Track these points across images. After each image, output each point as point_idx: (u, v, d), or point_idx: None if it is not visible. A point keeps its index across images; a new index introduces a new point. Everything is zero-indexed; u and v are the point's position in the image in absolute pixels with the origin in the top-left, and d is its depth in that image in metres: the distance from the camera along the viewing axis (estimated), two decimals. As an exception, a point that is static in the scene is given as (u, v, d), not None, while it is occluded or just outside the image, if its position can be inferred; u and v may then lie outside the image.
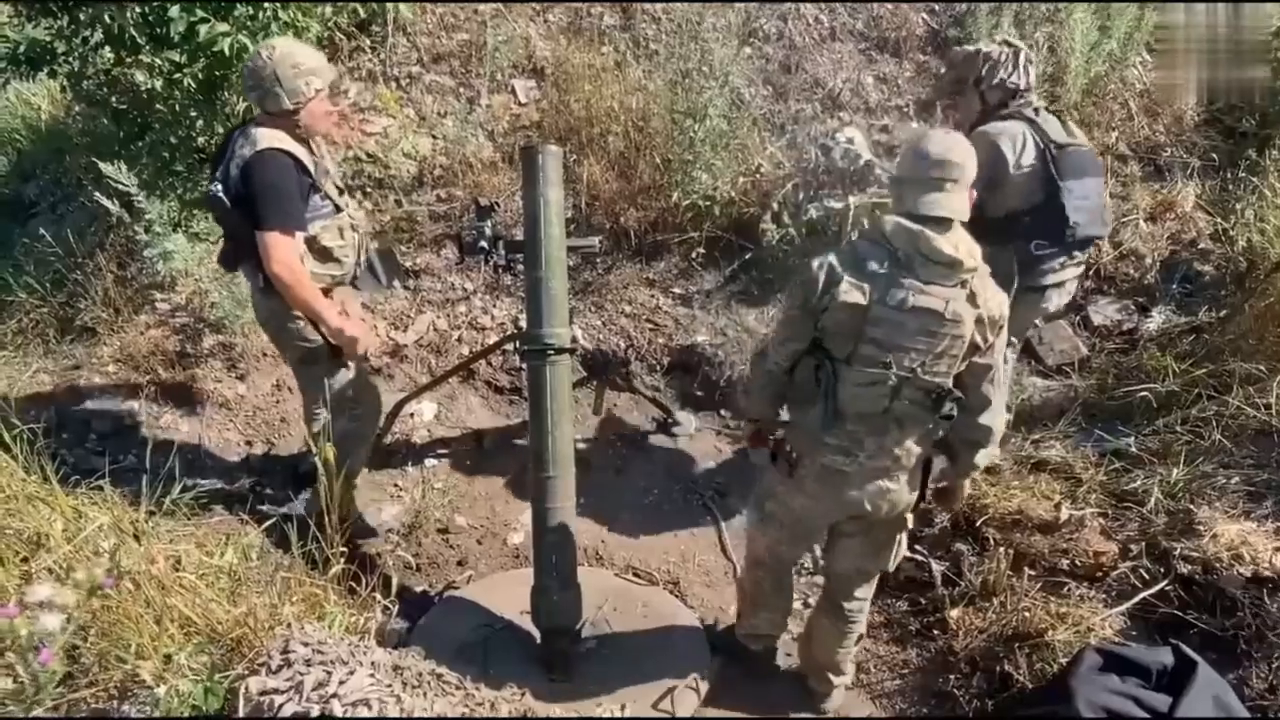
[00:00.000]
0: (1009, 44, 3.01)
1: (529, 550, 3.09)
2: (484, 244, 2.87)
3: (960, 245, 2.13)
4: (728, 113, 4.38)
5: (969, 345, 2.15)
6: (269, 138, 2.66)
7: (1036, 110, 3.03)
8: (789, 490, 2.44)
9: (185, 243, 3.74)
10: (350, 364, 3.05)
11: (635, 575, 3.32)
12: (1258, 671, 2.37)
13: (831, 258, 2.16)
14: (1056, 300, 3.18)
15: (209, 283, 3.78)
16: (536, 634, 2.88)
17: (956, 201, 2.13)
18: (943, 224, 2.11)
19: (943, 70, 4.88)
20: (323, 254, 2.89)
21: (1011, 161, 2.91)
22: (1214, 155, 4.78)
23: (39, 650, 1.54)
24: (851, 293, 2.10)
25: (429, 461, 3.83)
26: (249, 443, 3.74)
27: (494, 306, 4.25)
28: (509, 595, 3.04)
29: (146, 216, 3.49)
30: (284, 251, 2.65)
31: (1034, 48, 4.81)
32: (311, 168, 2.77)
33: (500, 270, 3.64)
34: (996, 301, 2.18)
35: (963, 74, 3.07)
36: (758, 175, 4.48)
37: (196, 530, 2.49)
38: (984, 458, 2.36)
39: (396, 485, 3.73)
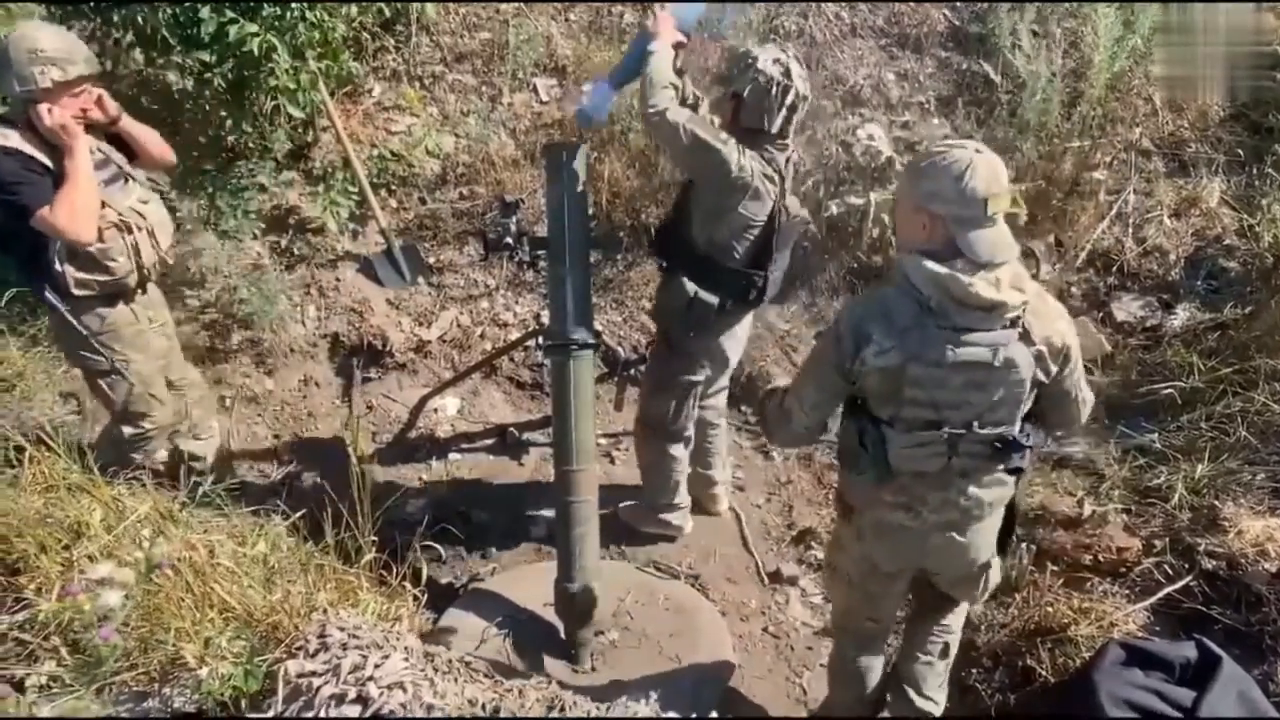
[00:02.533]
0: (784, 68, 2.63)
1: (552, 544, 3.13)
2: (509, 240, 2.90)
3: (1003, 280, 1.83)
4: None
5: (1032, 384, 1.90)
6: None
7: (787, 161, 2.80)
8: (851, 541, 2.24)
9: (215, 240, 3.80)
10: (134, 378, 2.86)
11: (657, 569, 3.35)
12: (1283, 667, 2.37)
13: (858, 311, 1.92)
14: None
15: (238, 279, 3.85)
16: (560, 626, 2.92)
17: (1007, 234, 1.87)
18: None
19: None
20: (87, 257, 2.64)
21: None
22: (1240, 151, 4.74)
23: (101, 626, 1.60)
24: (881, 356, 1.86)
25: (452, 456, 3.87)
26: (277, 436, 3.80)
27: (516, 303, 4.29)
28: (533, 588, 3.08)
29: (177, 215, 3.56)
30: (58, 217, 2.45)
31: (1056, 44, 4.81)
32: (51, 164, 2.51)
33: (523, 267, 3.67)
34: (1058, 329, 1.90)
35: (728, 75, 2.78)
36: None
37: (228, 521, 2.54)
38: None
39: (421, 479, 3.78)
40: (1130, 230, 4.66)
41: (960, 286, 1.80)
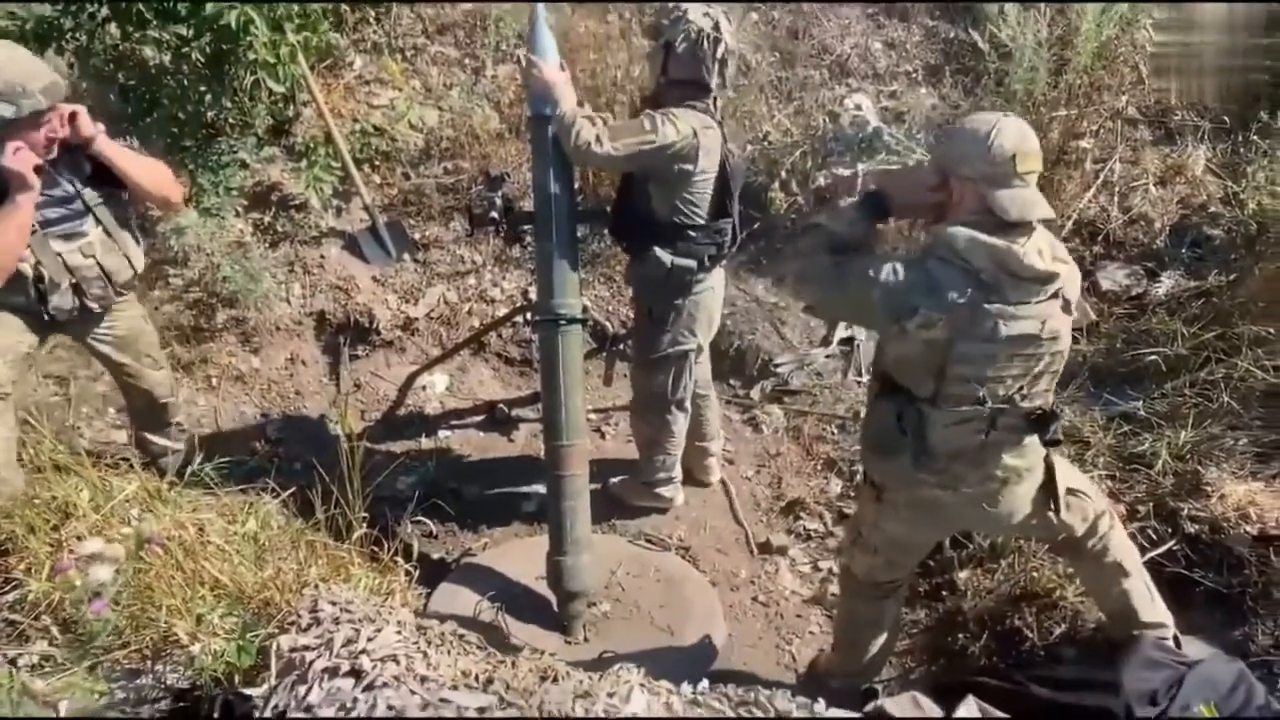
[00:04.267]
0: (714, 21, 2.65)
1: (543, 519, 3.14)
2: (494, 214, 2.88)
3: (1045, 249, 1.86)
4: (734, 80, 4.36)
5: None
6: None
7: (716, 106, 2.81)
8: (881, 514, 2.23)
9: (197, 218, 3.76)
10: None
11: (649, 541, 3.37)
12: (1263, 628, 2.41)
13: (901, 285, 1.86)
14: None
15: (221, 257, 3.81)
16: (552, 599, 2.94)
17: (1039, 197, 1.87)
18: (1024, 229, 1.84)
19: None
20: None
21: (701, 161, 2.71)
22: (1225, 118, 4.74)
23: (93, 601, 1.60)
24: (926, 329, 1.84)
25: (442, 433, 3.87)
26: (264, 414, 3.79)
27: (503, 279, 4.27)
28: (524, 562, 3.10)
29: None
30: None
31: (1042, 13, 4.78)
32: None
33: (510, 242, 3.64)
34: (1075, 287, 1.94)
35: (658, 27, 2.76)
36: (766, 143, 4.47)
37: (217, 500, 2.53)
38: None
39: (410, 456, 3.77)
40: (1116, 199, 4.66)
41: (1015, 258, 1.79)
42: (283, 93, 3.95)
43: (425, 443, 3.84)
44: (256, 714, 1.48)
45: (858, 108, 4.33)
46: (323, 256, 4.11)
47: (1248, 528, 2.58)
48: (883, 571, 2.39)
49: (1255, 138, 4.54)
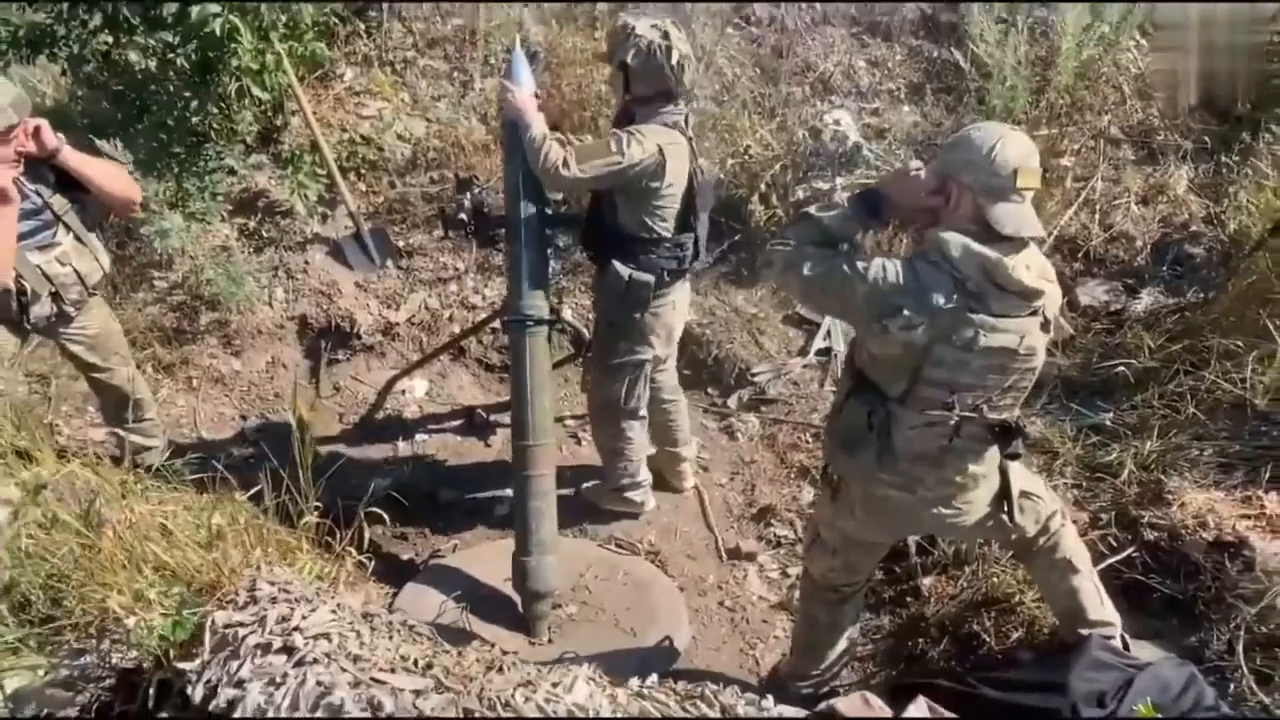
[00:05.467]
0: (663, 31, 2.72)
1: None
2: (463, 216, 2.93)
3: (1033, 266, 1.88)
4: (716, 95, 4.44)
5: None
6: None
7: (688, 122, 2.86)
8: (837, 513, 2.25)
9: (181, 222, 3.82)
10: None
11: (618, 546, 3.38)
12: (1216, 633, 2.41)
13: (888, 283, 1.87)
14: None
15: (204, 260, 3.87)
16: (518, 600, 2.95)
17: (1033, 214, 1.90)
18: (1016, 244, 1.86)
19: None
20: None
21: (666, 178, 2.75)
22: (1207, 139, 4.78)
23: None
24: (907, 331, 1.85)
25: (419, 436, 3.90)
26: (244, 416, 3.83)
27: (485, 286, 4.31)
28: (493, 564, 3.11)
29: (143, 195, 3.57)
30: None
31: (1021, 32, 4.84)
32: None
33: (491, 250, 3.67)
34: (1056, 306, 1.96)
35: (611, 48, 2.84)
36: (747, 157, 4.53)
37: (185, 496, 2.56)
38: None
39: (387, 460, 3.80)
40: (1097, 216, 4.70)
41: (1004, 271, 1.81)
42: (269, 100, 4.03)
43: (403, 446, 3.87)
44: (189, 689, 1.51)
45: (838, 123, 4.38)
46: (306, 262, 4.16)
47: (1204, 534, 2.58)
48: (840, 574, 2.39)
49: (1237, 158, 4.58)
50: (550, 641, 2.92)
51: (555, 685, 1.95)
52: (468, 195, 2.94)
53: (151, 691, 1.57)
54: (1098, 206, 4.70)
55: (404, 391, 4.04)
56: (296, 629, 1.57)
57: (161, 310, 3.92)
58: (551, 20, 4.91)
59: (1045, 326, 1.94)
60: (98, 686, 1.76)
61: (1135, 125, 5.00)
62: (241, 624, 1.57)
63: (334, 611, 1.66)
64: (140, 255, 3.96)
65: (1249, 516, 2.64)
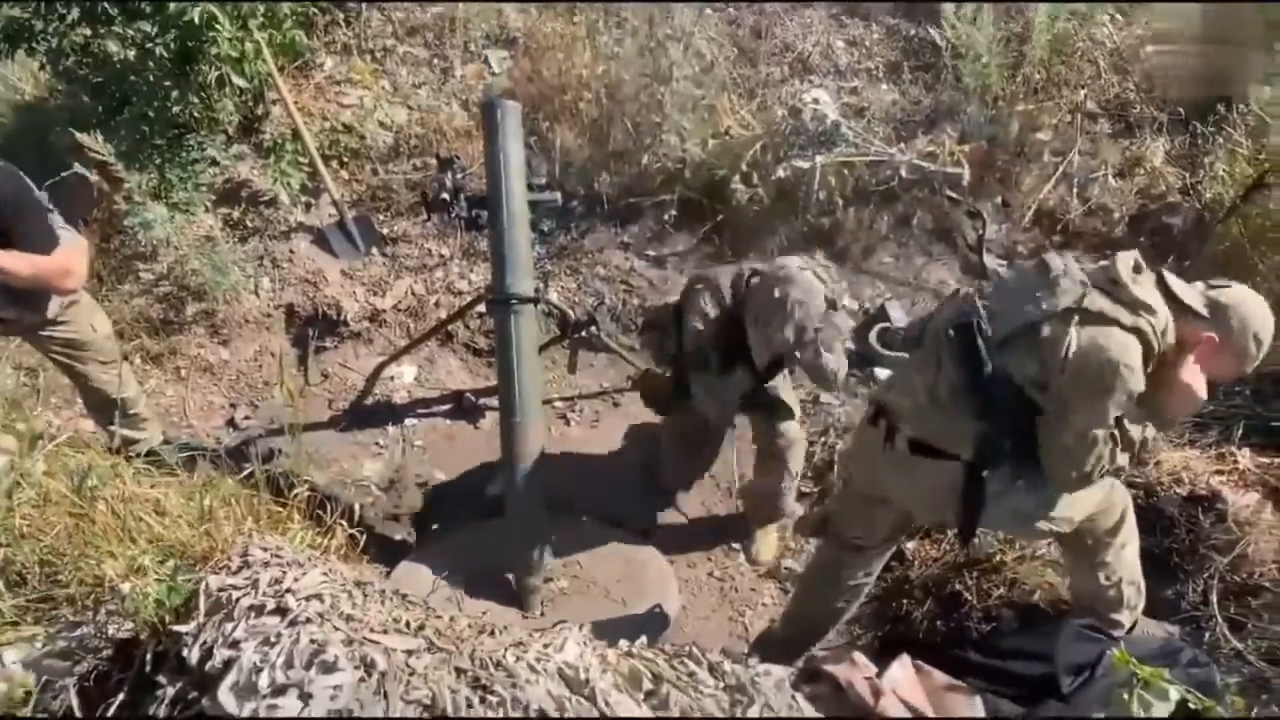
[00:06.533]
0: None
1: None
2: (445, 195, 2.95)
3: None
4: (696, 76, 4.46)
5: None
6: None
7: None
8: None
9: (165, 213, 3.83)
10: None
11: (611, 524, 3.42)
12: (1192, 584, 2.47)
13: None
14: None
15: (189, 250, 3.88)
16: (511, 577, 3.00)
17: None
18: None
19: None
20: None
21: None
22: (1181, 109, 4.84)
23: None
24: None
25: (409, 420, 3.93)
26: (233, 405, 3.85)
27: (471, 271, 4.34)
28: (485, 542, 3.15)
29: (126, 186, 3.59)
30: None
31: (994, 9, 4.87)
32: None
33: (476, 235, 3.68)
34: None
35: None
36: (728, 137, 4.56)
37: (178, 478, 2.59)
38: None
39: (377, 444, 3.83)
40: (1075, 190, 4.76)
41: None
42: (250, 89, 4.03)
43: (393, 431, 3.90)
44: (185, 651, 1.54)
45: (816, 101, 4.42)
46: (292, 251, 4.18)
47: (1179, 490, 2.64)
48: (850, 522, 2.43)
49: (1212, 129, 4.64)
50: (542, 614, 2.97)
51: (546, 646, 1.99)
52: (449, 175, 2.96)
53: (149, 658, 1.60)
54: (1075, 180, 4.76)
55: (392, 377, 4.06)
56: (289, 591, 1.60)
57: (148, 301, 3.93)
58: (531, 6, 4.92)
59: None
60: (95, 657, 1.79)
61: (1112, 99, 5.06)
62: (235, 587, 1.60)
63: (326, 574, 1.69)
64: (125, 248, 3.97)
65: (1222, 472, 2.71)
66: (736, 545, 3.35)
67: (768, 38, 5.02)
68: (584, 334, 3.73)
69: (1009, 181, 4.79)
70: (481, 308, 3.94)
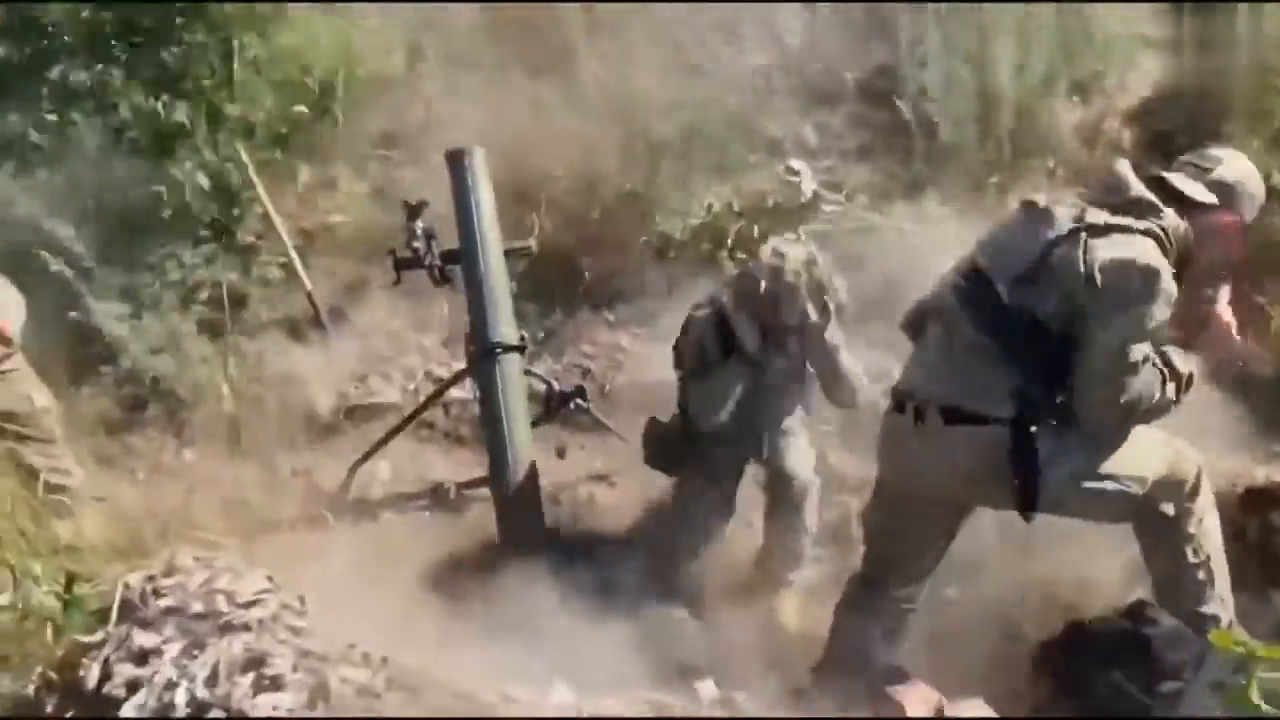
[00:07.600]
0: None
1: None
2: (417, 244, 2.83)
3: None
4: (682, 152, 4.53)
5: None
6: None
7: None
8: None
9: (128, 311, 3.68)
10: None
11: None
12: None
13: None
14: None
15: (154, 348, 3.70)
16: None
17: None
18: None
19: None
20: None
21: None
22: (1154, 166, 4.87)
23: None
24: None
25: (385, 515, 3.62)
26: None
27: (453, 361, 4.16)
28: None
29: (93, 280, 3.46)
30: None
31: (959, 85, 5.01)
32: None
33: (438, 283, 3.48)
34: None
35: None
36: (710, 215, 4.55)
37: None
38: None
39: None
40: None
41: None
42: (226, 188, 4.00)
43: (368, 529, 3.58)
44: (81, 672, 1.22)
45: (794, 172, 4.45)
46: (262, 349, 4.01)
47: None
48: (888, 548, 2.21)
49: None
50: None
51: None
52: (418, 224, 2.84)
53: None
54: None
55: (369, 474, 3.78)
56: (221, 592, 1.31)
57: (108, 402, 3.71)
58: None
59: None
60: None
61: (1082, 169, 5.12)
62: (158, 591, 1.30)
63: (270, 580, 1.40)
64: (86, 346, 3.79)
65: None
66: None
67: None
68: (572, 406, 3.53)
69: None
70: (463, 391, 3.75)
